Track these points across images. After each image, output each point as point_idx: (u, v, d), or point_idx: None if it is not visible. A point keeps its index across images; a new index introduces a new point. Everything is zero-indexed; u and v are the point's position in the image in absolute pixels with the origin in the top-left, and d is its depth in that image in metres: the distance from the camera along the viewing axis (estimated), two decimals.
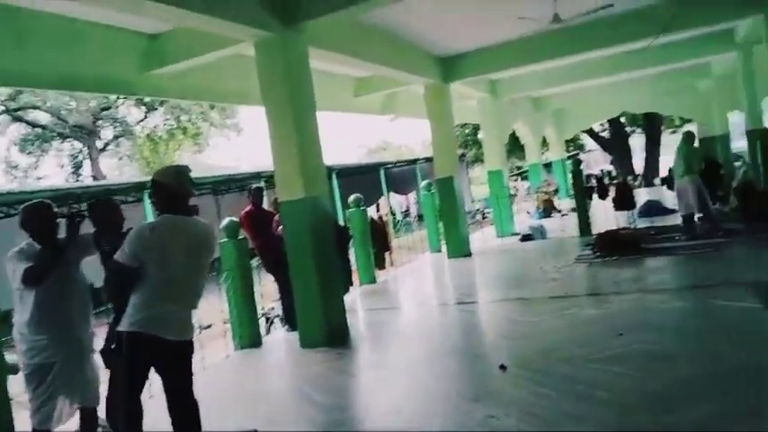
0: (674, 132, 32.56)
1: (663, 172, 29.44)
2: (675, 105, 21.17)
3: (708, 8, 8.59)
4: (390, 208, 26.20)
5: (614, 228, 10.13)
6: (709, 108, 19.50)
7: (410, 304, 7.57)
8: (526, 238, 11.43)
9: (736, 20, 8.95)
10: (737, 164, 13.34)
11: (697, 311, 4.93)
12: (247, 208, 6.82)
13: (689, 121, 30.73)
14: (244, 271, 5.95)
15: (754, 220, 8.44)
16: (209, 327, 8.50)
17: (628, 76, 15.55)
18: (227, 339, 6.21)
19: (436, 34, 8.86)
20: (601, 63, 12.59)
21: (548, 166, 24.06)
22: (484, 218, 24.39)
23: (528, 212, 17.09)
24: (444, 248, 10.62)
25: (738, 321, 4.48)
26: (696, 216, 9.69)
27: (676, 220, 10.39)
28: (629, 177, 25.86)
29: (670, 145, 31.88)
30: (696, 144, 8.95)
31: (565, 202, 16.54)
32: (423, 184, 11.60)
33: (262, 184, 11.22)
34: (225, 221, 6.05)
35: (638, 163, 28.71)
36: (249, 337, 5.98)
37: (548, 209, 15.41)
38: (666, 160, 29.83)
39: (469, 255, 10.28)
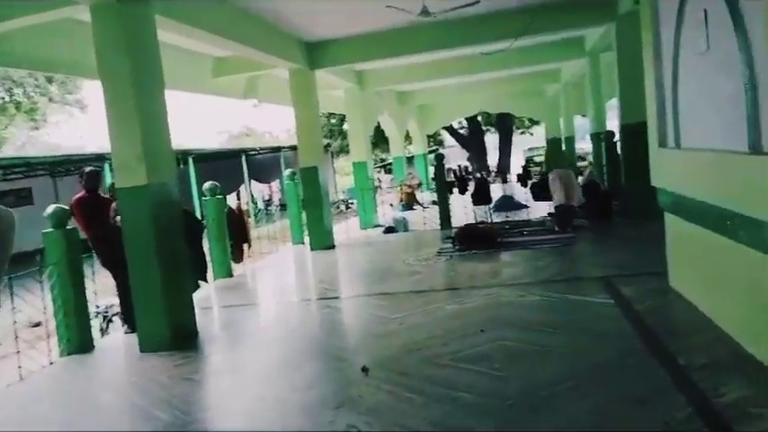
0: (523, 133, 34.89)
1: (514, 169, 31.54)
2: (527, 107, 22.56)
3: (564, 15, 9.01)
4: (252, 196, 25.27)
5: (473, 222, 10.43)
6: (557, 111, 21.02)
7: (269, 300, 7.12)
8: (389, 230, 11.41)
9: (590, 27, 9.48)
10: (583, 164, 14.36)
11: (553, 306, 5.03)
12: (80, 194, 5.97)
13: (537, 122, 33.23)
14: (72, 265, 5.14)
15: (598, 218, 9.02)
16: (37, 325, 7.44)
17: (487, 76, 16.18)
18: (52, 343, 5.35)
19: (303, 18, 8.43)
20: (462, 62, 12.91)
21: (410, 159, 24.55)
22: (348, 208, 24.37)
23: (391, 205, 17.20)
24: (307, 240, 10.25)
25: (593, 316, 4.60)
26: (548, 211, 10.25)
27: (528, 214, 10.97)
28: (484, 173, 27.27)
29: (520, 144, 34.28)
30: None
31: (426, 196, 16.87)
32: (286, 172, 11.12)
33: (100, 167, 10.08)
34: (50, 208, 5.19)
35: (493, 160, 30.37)
36: (78, 341, 5.19)
37: (410, 202, 15.60)
38: (516, 159, 32.04)
39: (333, 247, 10.01)
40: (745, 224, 3.35)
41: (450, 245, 8.56)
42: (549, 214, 10.03)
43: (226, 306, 6.71)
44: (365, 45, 9.64)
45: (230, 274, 8.30)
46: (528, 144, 38.53)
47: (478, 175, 12.76)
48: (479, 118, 28.91)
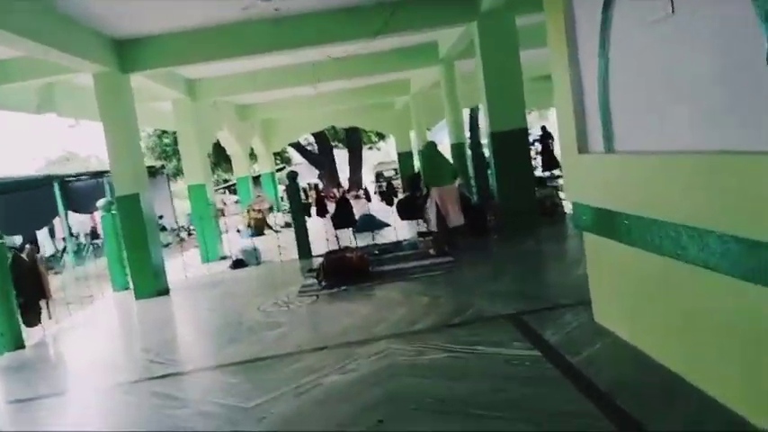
0: (370, 148, 34.49)
1: (367, 186, 30.88)
2: (376, 121, 21.86)
3: (422, 12, 8.06)
4: (70, 230, 21.74)
5: (336, 248, 9.09)
6: (407, 124, 20.52)
7: (73, 387, 5.13)
8: (238, 264, 9.68)
9: (450, 25, 8.61)
10: None
11: (468, 368, 3.80)
12: None
13: (383, 136, 32.98)
14: None
15: (473, 237, 8.14)
16: None
17: (335, 86, 15.05)
18: None
19: (108, 7, 6.56)
20: (309, 69, 11.56)
21: (257, 179, 22.73)
22: (190, 235, 21.82)
23: (238, 230, 15.35)
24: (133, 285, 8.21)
25: (525, 381, 3.42)
26: (419, 231, 9.23)
27: (393, 234, 9.88)
28: (339, 190, 26.21)
29: (368, 160, 33.80)
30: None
31: (279, 218, 15.28)
32: (100, 202, 8.95)
33: None
34: None
35: (343, 176, 29.43)
36: None
37: (260, 227, 13.91)
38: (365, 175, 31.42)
39: (166, 292, 8.10)
40: (723, 245, 2.41)
41: (313, 280, 7.14)
42: (421, 234, 9.02)
43: (7, 402, 4.67)
44: (191, 44, 7.92)
45: (21, 345, 6.15)
46: (376, 159, 38.32)
47: (340, 194, 11.20)
48: (327, 133, 27.84)
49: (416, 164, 23.90)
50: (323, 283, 6.90)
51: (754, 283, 2.33)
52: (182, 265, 9.69)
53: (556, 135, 19.87)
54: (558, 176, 15.81)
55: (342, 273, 6.93)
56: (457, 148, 11.88)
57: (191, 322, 6.67)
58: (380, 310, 5.49)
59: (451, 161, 8.40)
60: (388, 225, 11.57)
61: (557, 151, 19.85)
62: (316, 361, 4.36)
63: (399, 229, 9.88)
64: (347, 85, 15.66)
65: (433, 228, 7.72)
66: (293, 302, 6.33)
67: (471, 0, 8.09)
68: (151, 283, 7.97)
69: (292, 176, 9.26)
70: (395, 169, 29.08)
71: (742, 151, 2.38)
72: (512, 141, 8.27)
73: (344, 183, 28.61)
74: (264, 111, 17.44)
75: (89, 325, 7.26)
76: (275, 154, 23.83)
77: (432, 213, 7.63)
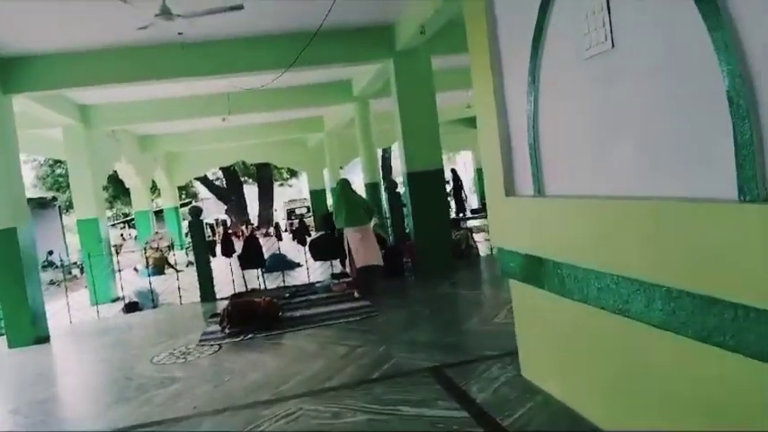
0: (281, 185, 33.77)
1: (279, 221, 30.07)
2: (288, 157, 21.39)
3: (338, 48, 7.84)
4: None
5: (243, 290, 8.49)
6: (320, 161, 20.18)
7: None
8: (131, 307, 8.81)
9: (366, 62, 8.44)
10: None
11: None
12: None
13: (295, 173, 32.45)
14: None
15: (389, 278, 7.83)
16: None
17: (245, 120, 14.53)
18: None
19: None
20: (218, 101, 11.06)
21: (159, 213, 21.46)
22: (83, 272, 20.08)
23: (136, 269, 14.24)
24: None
25: None
26: (333, 272, 8.81)
27: (304, 275, 9.38)
28: (248, 227, 25.28)
29: (279, 196, 33.05)
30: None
31: (180, 255, 14.33)
32: None
33: None
34: None
35: (252, 212, 28.54)
36: None
37: (160, 266, 12.92)
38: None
39: (46, 340, 7.15)
40: (673, 301, 2.22)
41: (217, 327, 6.51)
42: (335, 276, 8.61)
43: None
44: (84, 65, 7.26)
45: None
46: (288, 196, 37.57)
47: (248, 231, 10.41)
48: (237, 168, 26.98)
49: (330, 202, 23.66)
50: (227, 331, 6.29)
51: (708, 345, 2.12)
52: (69, 308, 8.64)
53: (464, 178, 20.24)
54: (469, 218, 15.99)
55: (248, 319, 6.35)
56: (371, 188, 11.67)
57: (72, 377, 5.81)
58: (291, 363, 4.99)
59: (366, 199, 8.06)
60: (299, 265, 11.07)
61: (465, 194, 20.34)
62: (213, 425, 3.80)
63: (311, 270, 9.39)
64: (259, 120, 15.20)
65: (361, 263, 7.33)
66: (192, 353, 5.69)
67: (387, 38, 7.99)
68: (28, 330, 7.00)
69: (195, 212, 8.60)
70: (307, 207, 28.60)
71: (690, 198, 2.21)
72: (428, 181, 8.13)
73: (254, 219, 27.73)
74: (169, 143, 16.56)
75: None
76: (180, 188, 22.69)
77: (357, 251, 7.24)
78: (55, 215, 23.85)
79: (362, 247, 7.23)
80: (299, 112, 14.62)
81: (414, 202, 8.17)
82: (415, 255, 8.38)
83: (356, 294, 7.29)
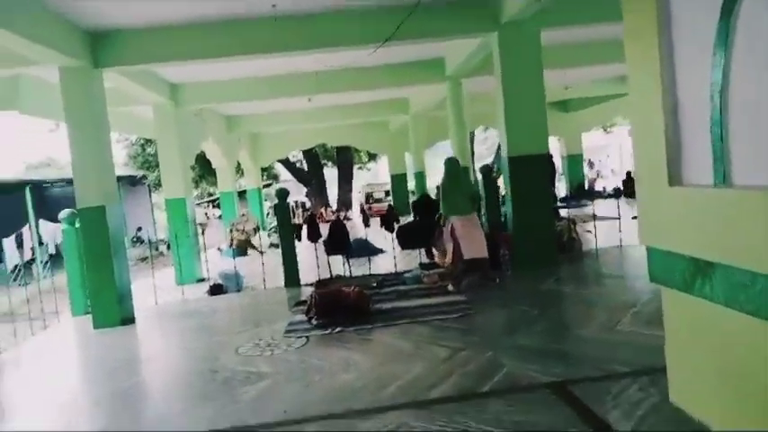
0: (360, 168, 33.53)
1: (357, 205, 29.94)
2: (370, 140, 21.00)
3: (438, 21, 7.21)
4: (40, 239, 20.49)
5: (328, 277, 8.12)
6: (403, 144, 19.66)
7: None
8: (216, 290, 8.63)
9: (466, 35, 7.77)
10: None
11: None
12: None
13: (375, 157, 32.12)
14: None
15: (494, 268, 7.16)
16: None
17: (328, 101, 14.18)
18: None
19: None
20: (303, 80, 10.70)
21: (243, 194, 21.69)
22: (169, 249, 20.63)
23: (220, 249, 14.28)
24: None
25: None
26: (420, 261, 8.27)
27: (389, 262, 8.87)
28: (332, 211, 25.21)
29: (357, 180, 32.86)
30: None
31: (264, 238, 14.23)
32: (63, 213, 7.87)
33: None
34: None
35: (331, 196, 28.47)
36: None
37: (243, 247, 12.85)
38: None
39: (131, 321, 7.04)
40: None
41: (302, 316, 6.13)
42: (423, 266, 8.07)
43: None
44: (174, 39, 7.02)
45: None
46: (365, 180, 37.36)
47: (336, 216, 9.98)
48: (317, 151, 26.92)
49: (411, 185, 23.05)
50: (314, 322, 5.90)
51: None
52: (155, 287, 8.56)
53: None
54: (567, 206, 14.96)
55: (336, 310, 5.93)
56: (463, 173, 11.00)
57: (155, 364, 5.58)
58: (386, 364, 4.49)
59: (474, 185, 7.40)
60: (382, 251, 10.61)
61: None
62: None
63: (397, 259, 8.87)
64: (343, 101, 14.83)
65: (447, 261, 6.77)
66: (279, 345, 5.32)
67: (492, 8, 7.27)
68: (114, 311, 6.90)
69: (282, 194, 8.28)
70: (386, 191, 28.20)
71: None
72: (531, 167, 7.41)
73: (333, 202, 27.64)
74: (253, 123, 16.51)
75: (27, 362, 6.13)
76: (262, 169, 22.83)
77: (449, 245, 6.67)
78: (144, 192, 24.70)
79: (469, 238, 6.64)
80: (384, 92, 14.11)
81: (514, 189, 7.47)
82: (511, 246, 7.71)
83: (450, 287, 6.73)
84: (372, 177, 41.15)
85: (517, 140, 7.37)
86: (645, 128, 3.11)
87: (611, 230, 8.45)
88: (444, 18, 7.26)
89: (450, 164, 7.00)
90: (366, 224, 9.30)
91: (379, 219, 9.52)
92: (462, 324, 5.39)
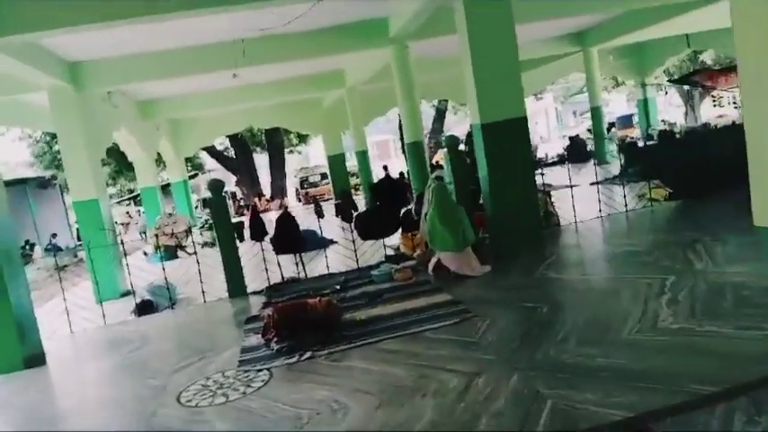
0: (291, 152, 31.85)
1: (292, 192, 28.45)
2: (302, 120, 19.50)
3: None
4: None
5: (280, 281, 6.93)
6: (338, 123, 18.39)
7: None
8: (145, 308, 7.22)
9: None
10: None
11: None
12: None
13: (305, 139, 30.54)
14: None
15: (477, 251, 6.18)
16: None
17: (256, 76, 12.70)
18: None
19: None
20: (227, 50, 9.26)
21: (166, 188, 19.84)
22: None
23: (145, 253, 12.67)
24: None
25: None
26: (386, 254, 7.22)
27: (344, 254, 7.71)
28: (263, 198, 23.67)
29: (291, 163, 31.27)
30: None
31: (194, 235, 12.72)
32: None
33: None
34: None
35: (263, 183, 26.85)
36: None
37: (172, 250, 11.36)
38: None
39: (40, 360, 5.59)
40: None
41: (257, 338, 4.95)
42: (389, 258, 7.01)
43: None
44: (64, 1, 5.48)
45: None
46: (297, 164, 35.69)
47: (282, 209, 8.33)
48: (244, 136, 25.16)
49: (352, 166, 21.76)
50: (274, 346, 4.72)
51: None
52: (68, 309, 7.00)
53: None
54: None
55: (301, 328, 4.76)
56: (414, 148, 9.94)
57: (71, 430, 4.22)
58: (386, 406, 3.38)
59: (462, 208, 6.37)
60: (333, 242, 9.44)
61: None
62: None
63: (357, 252, 7.70)
64: (271, 76, 13.38)
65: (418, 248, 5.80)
66: (233, 384, 4.11)
67: None
68: (14, 351, 5.43)
69: (216, 187, 6.94)
70: (322, 174, 26.80)
71: None
72: (508, 134, 6.43)
73: (266, 190, 26.09)
74: (172, 108, 14.79)
75: None
76: (186, 159, 20.98)
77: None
78: (57, 195, 22.26)
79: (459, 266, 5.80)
80: (318, 64, 12.77)
81: (490, 162, 6.47)
82: (487, 227, 6.77)
83: (430, 271, 5.79)
84: (304, 161, 39.53)
85: (491, 104, 6.38)
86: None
87: (576, 200, 7.64)
88: None
89: (440, 190, 6.11)
90: (319, 215, 8.07)
91: (335, 208, 8.28)
92: (463, 334, 4.35)
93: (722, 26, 14.29)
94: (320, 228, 8.13)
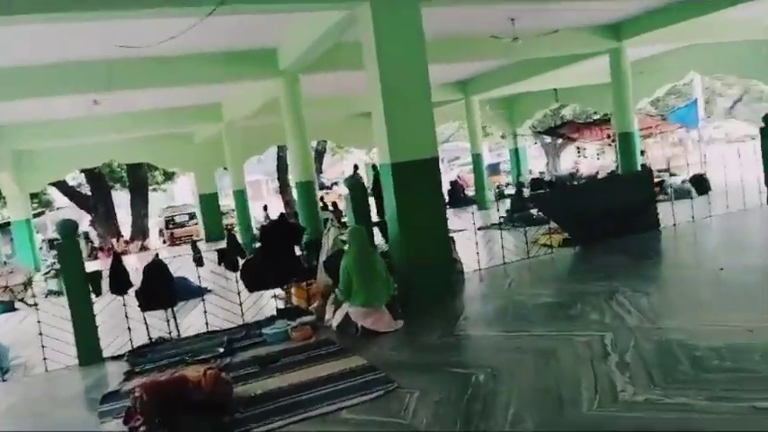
0: (155, 190, 29.45)
1: (154, 233, 26.12)
2: (169, 155, 18.00)
3: None
4: None
5: (147, 342, 5.74)
6: (212, 159, 17.17)
7: None
8: None
9: (334, 5, 5.99)
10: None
11: None
12: None
13: (172, 175, 28.44)
14: None
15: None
16: None
17: (121, 105, 11.33)
18: None
19: None
20: (85, 73, 8.03)
21: (5, 227, 17.20)
22: None
23: None
24: None
25: None
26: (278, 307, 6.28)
27: (226, 308, 6.58)
28: (121, 240, 21.43)
29: (154, 202, 28.91)
30: None
31: (37, 282, 10.77)
32: None
33: None
34: None
35: (124, 223, 24.38)
36: None
37: (8, 302, 9.47)
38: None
39: None
40: None
41: (117, 425, 3.80)
42: (281, 312, 6.09)
43: None
44: None
45: None
46: (162, 203, 33.12)
47: (154, 258, 6.97)
48: (101, 171, 22.72)
49: (231, 207, 20.28)
50: (141, 428, 3.60)
51: None
52: None
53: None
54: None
55: (179, 413, 3.69)
56: (305, 188, 9.14)
57: None
58: None
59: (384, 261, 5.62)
60: (208, 291, 8.23)
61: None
62: None
63: (242, 305, 6.61)
64: (138, 106, 12.03)
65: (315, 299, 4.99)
66: None
67: None
68: None
69: (68, 228, 5.63)
70: (189, 214, 24.93)
71: None
72: (419, 175, 5.86)
73: (125, 231, 23.66)
74: (17, 137, 12.83)
75: None
76: (32, 195, 18.39)
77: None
78: None
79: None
80: (192, 96, 11.67)
81: (399, 203, 5.84)
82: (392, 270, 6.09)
83: (334, 328, 5.06)
84: (169, 199, 36.88)
85: (402, 143, 5.78)
86: None
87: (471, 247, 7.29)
88: None
89: (358, 234, 5.41)
90: (198, 263, 6.92)
91: (218, 255, 7.14)
92: (389, 413, 3.53)
93: (583, 83, 15.34)
94: (199, 277, 6.98)
